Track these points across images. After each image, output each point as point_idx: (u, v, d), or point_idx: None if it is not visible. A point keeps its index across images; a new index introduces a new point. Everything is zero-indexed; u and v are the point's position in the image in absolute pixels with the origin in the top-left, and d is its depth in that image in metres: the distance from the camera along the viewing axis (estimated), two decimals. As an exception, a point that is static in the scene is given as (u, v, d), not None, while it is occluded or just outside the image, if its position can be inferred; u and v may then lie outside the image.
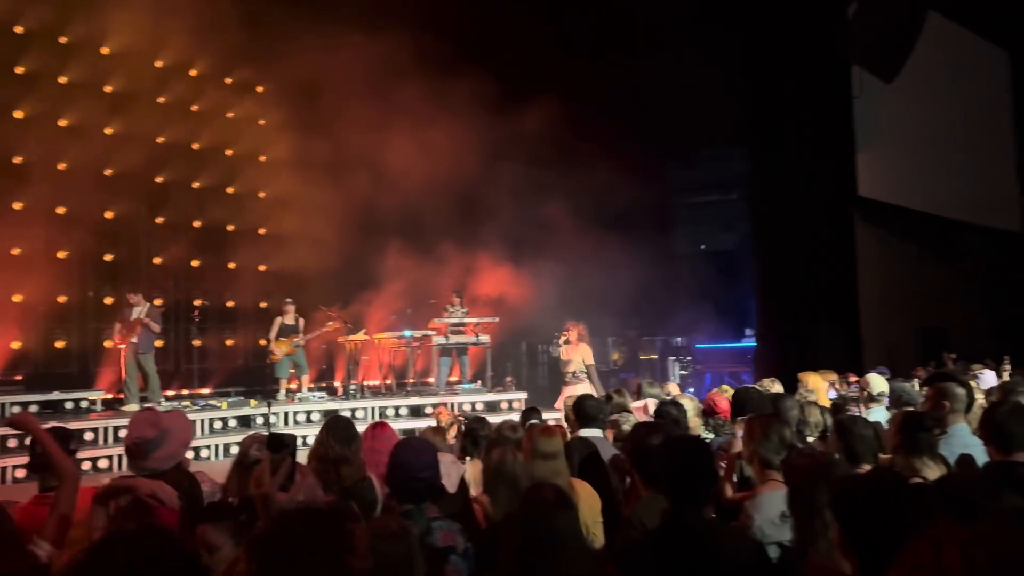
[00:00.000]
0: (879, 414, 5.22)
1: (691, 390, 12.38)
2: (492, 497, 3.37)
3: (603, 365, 15.18)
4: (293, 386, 12.24)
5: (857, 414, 4.70)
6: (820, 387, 6.29)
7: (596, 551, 2.98)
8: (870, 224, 13.54)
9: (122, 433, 9.60)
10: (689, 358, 14.31)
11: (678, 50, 13.69)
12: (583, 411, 5.06)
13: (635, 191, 14.32)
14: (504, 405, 12.37)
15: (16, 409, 10.22)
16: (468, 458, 4.85)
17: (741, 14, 13.21)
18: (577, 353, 10.33)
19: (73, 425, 8.43)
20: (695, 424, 4.80)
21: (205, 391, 13.20)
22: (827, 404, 5.65)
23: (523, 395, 12.80)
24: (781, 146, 13.38)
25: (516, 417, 6.90)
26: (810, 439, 4.42)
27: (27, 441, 8.74)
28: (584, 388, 10.05)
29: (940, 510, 2.05)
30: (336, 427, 3.62)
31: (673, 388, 7.72)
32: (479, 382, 13.20)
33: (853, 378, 7.74)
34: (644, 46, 13.81)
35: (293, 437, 2.00)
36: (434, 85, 13.00)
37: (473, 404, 12.16)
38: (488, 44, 13.27)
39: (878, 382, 5.80)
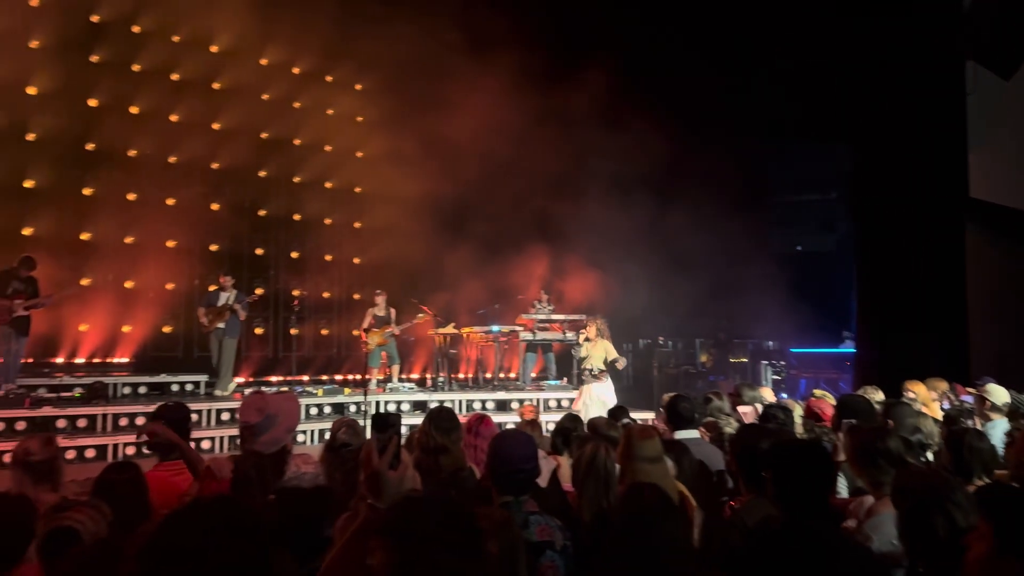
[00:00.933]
0: (1000, 427, 4.90)
1: (784, 396, 12.02)
2: (580, 491, 3.34)
3: (691, 367, 14.93)
4: (383, 376, 12.50)
5: (973, 426, 4.45)
6: (928, 397, 5.99)
7: (696, 555, 2.90)
8: (981, 227, 12.80)
9: (224, 416, 10.08)
10: (782, 362, 13.87)
11: (776, 43, 13.30)
12: (677, 413, 4.95)
13: (730, 189, 14.01)
14: (590, 403, 12.29)
15: (127, 390, 10.82)
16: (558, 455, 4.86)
17: (845, 5, 12.71)
18: (598, 350, 10.11)
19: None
20: (798, 430, 4.65)
21: (304, 378, 13.62)
22: (938, 415, 5.37)
23: (609, 394, 12.69)
24: (887, 144, 12.81)
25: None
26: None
27: (138, 421, 9.24)
28: (605, 387, 9.96)
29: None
30: (439, 417, 3.68)
31: (767, 393, 7.50)
32: (564, 379, 13.17)
33: (964, 389, 7.32)
34: (742, 40, 13.48)
35: (398, 416, 2.01)
36: (529, 86, 13.04)
37: (559, 401, 12.16)
38: (585, 44, 13.20)
39: (999, 392, 5.43)
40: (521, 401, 11.64)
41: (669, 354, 15.04)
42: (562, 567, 2.87)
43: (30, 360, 10.80)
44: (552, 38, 13.31)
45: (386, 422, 1.98)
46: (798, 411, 4.86)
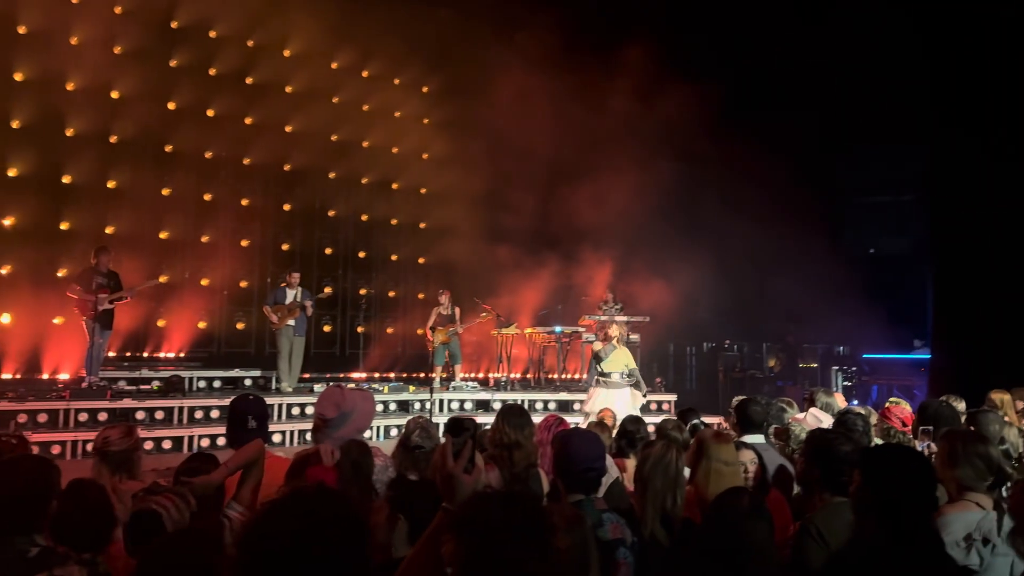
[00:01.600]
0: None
1: (855, 402, 11.69)
2: (644, 488, 3.30)
3: (758, 371, 14.66)
4: (446, 375, 12.62)
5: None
6: (1011, 407, 5.75)
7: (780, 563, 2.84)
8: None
9: (294, 411, 10.34)
10: (854, 368, 13.47)
11: (850, 44, 12.97)
12: (747, 416, 4.87)
13: (800, 190, 13.70)
14: (653, 406, 12.19)
15: (202, 384, 11.19)
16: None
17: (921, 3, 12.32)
18: (620, 355, 9.36)
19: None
20: (873, 437, 4.52)
21: (373, 375, 13.86)
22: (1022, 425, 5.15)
23: (673, 397, 12.57)
24: (965, 144, 12.33)
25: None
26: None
27: (212, 414, 9.56)
28: (623, 395, 9.03)
29: None
30: (511, 413, 3.72)
31: (839, 399, 7.30)
32: (627, 381, 13.05)
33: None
34: (814, 41, 13.18)
35: (473, 421, 2.06)
36: (591, 83, 13.02)
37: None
38: (647, 40, 13.09)
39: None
40: (582, 402, 11.60)
41: (735, 358, 14.81)
42: (633, 564, 2.87)
43: (112, 354, 11.27)
44: (622, 42, 13.22)
45: (461, 426, 2.03)
46: (873, 418, 4.72)
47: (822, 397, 5.47)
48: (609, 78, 13.14)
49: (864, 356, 13.88)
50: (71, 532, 2.60)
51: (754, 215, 12.77)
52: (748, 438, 4.71)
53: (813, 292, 13.00)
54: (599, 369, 9.38)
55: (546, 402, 12.02)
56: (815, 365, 13.82)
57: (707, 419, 9.40)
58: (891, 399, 5.63)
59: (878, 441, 4.47)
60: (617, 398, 8.87)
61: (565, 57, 12.71)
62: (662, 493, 3.26)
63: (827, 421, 4.95)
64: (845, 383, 13.08)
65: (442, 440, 3.06)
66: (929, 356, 13.08)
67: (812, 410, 5.23)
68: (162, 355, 12.63)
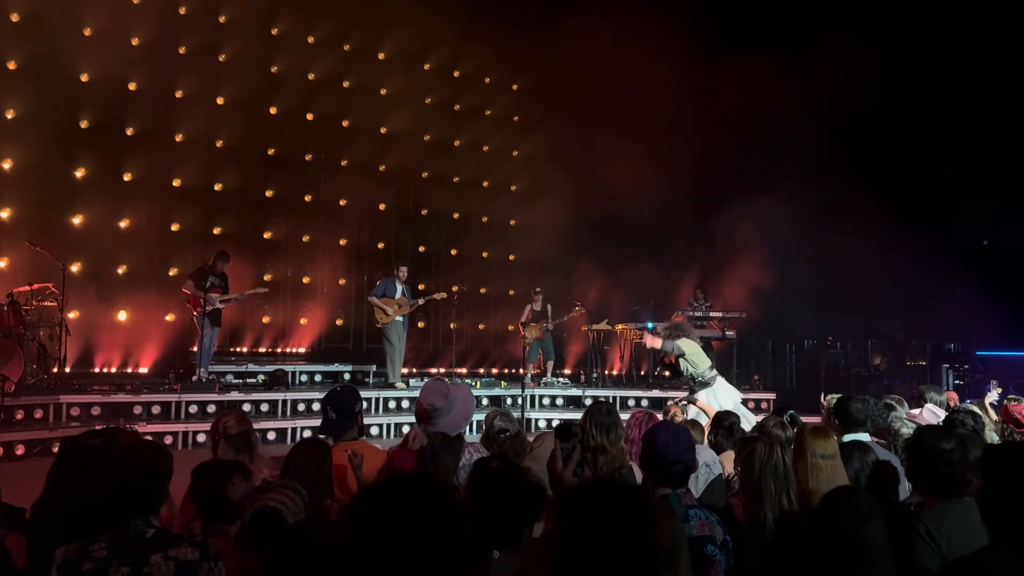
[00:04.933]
0: None
1: (968, 401, 11.05)
2: (759, 491, 3.23)
3: (862, 370, 14.05)
4: (537, 371, 12.65)
5: None
6: None
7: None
8: None
9: (391, 404, 10.59)
10: (966, 366, 12.73)
11: (958, 24, 12.30)
12: (848, 414, 4.69)
13: (907, 178, 13.09)
14: (751, 404, 11.86)
15: (304, 378, 11.61)
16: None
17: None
18: (699, 354, 7.84)
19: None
20: (989, 437, 4.26)
21: (462, 371, 14.07)
22: None
23: (771, 395, 12.20)
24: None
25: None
26: None
27: (314, 406, 9.88)
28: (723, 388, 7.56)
29: None
30: (598, 414, 3.66)
31: (952, 398, 6.92)
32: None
33: None
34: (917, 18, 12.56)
35: (580, 427, 2.07)
36: (679, 77, 12.78)
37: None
38: (745, 40, 12.77)
39: None
40: (675, 400, 11.42)
41: (838, 355, 14.22)
42: (723, 562, 2.81)
43: (221, 349, 11.82)
44: (711, 35, 12.93)
45: (570, 432, 2.05)
46: (991, 416, 4.46)
47: (933, 395, 5.20)
48: (712, 74, 12.90)
49: (978, 353, 13.10)
50: (214, 505, 2.78)
51: (856, 204, 12.25)
52: (851, 436, 4.53)
53: (922, 286, 12.39)
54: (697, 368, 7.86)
55: (638, 399, 11.89)
56: (924, 363, 13.13)
57: (808, 419, 9.10)
58: (1009, 396, 5.31)
59: (995, 439, 4.22)
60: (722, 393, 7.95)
61: (653, 52, 12.54)
62: (777, 496, 3.19)
63: (944, 418, 4.72)
64: (957, 381, 12.38)
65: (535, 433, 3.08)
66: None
67: (928, 406, 4.98)
68: (267, 350, 13.16)
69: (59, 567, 2.37)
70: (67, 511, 2.81)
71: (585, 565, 1.53)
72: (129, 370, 11.71)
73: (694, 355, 7.47)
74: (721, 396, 7.61)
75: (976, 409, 4.48)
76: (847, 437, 4.54)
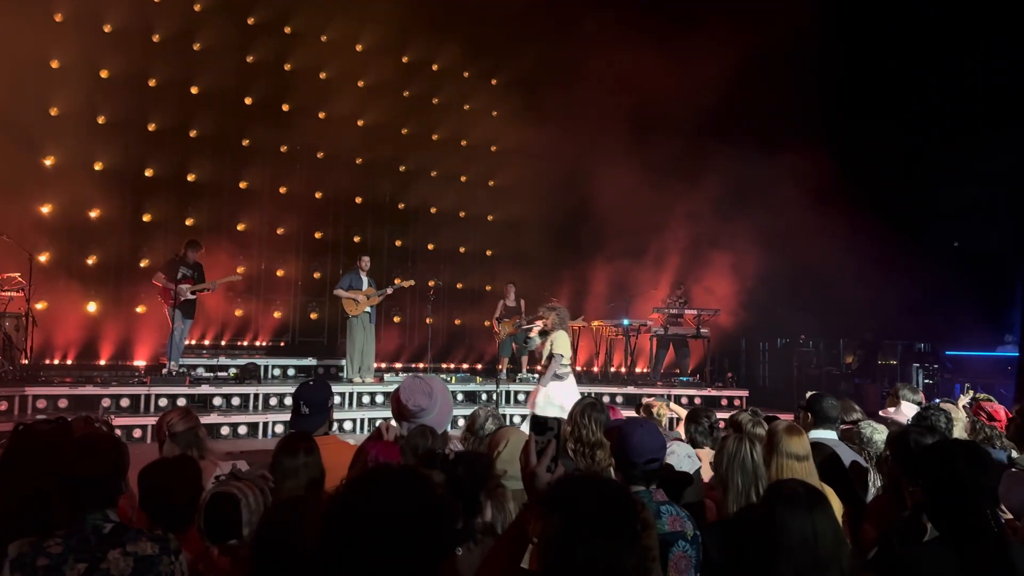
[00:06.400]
0: None
1: (937, 401, 11.18)
2: (726, 487, 3.24)
3: (834, 368, 14.20)
4: (512, 366, 12.64)
5: None
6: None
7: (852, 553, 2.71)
8: None
9: (364, 400, 10.51)
10: (936, 365, 12.90)
11: (940, 29, 12.44)
12: (821, 411, 4.71)
13: (881, 181, 13.22)
14: (724, 402, 11.96)
15: (276, 372, 11.50)
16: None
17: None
18: (560, 343, 8.15)
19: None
20: (959, 435, 4.29)
21: (440, 366, 14.01)
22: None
23: (744, 393, 12.29)
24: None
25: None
26: None
27: (286, 401, 9.79)
28: (566, 388, 7.82)
29: None
30: (592, 409, 3.61)
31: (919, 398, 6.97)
32: (697, 376, 12.85)
33: None
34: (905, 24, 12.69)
35: (558, 421, 2.04)
36: (660, 73, 12.78)
37: (692, 399, 11.88)
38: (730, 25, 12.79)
39: None
40: (653, 397, 11.47)
41: (810, 354, 14.36)
42: (694, 557, 2.81)
43: (191, 342, 11.67)
44: (697, 30, 12.95)
45: (545, 425, 2.03)
46: (960, 416, 4.49)
47: (908, 394, 5.23)
48: (682, 66, 12.90)
49: (947, 353, 13.29)
50: (161, 509, 2.72)
51: (828, 205, 12.35)
52: (818, 433, 4.55)
53: (894, 286, 12.52)
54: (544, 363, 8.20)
55: (612, 395, 11.92)
56: (895, 362, 13.29)
57: (781, 416, 9.18)
58: (979, 395, 5.36)
59: (963, 436, 4.26)
60: (560, 392, 7.74)
61: (628, 48, 12.57)
62: (745, 490, 3.19)
63: (915, 414, 4.76)
64: (927, 381, 12.55)
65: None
66: (1017, 354, 12.47)
67: (904, 404, 5.02)
68: (239, 344, 13.01)
69: (12, 562, 2.30)
70: (19, 504, 2.73)
71: (581, 563, 1.51)
72: (102, 362, 11.52)
73: (563, 346, 7.93)
74: (565, 393, 7.68)
75: (948, 407, 4.51)
76: (814, 433, 4.56)
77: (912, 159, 13.89)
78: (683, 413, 4.31)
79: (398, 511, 1.50)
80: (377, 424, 3.46)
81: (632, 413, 10.29)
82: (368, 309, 11.06)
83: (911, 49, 13.16)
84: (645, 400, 6.04)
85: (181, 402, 9.33)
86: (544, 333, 8.28)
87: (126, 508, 2.83)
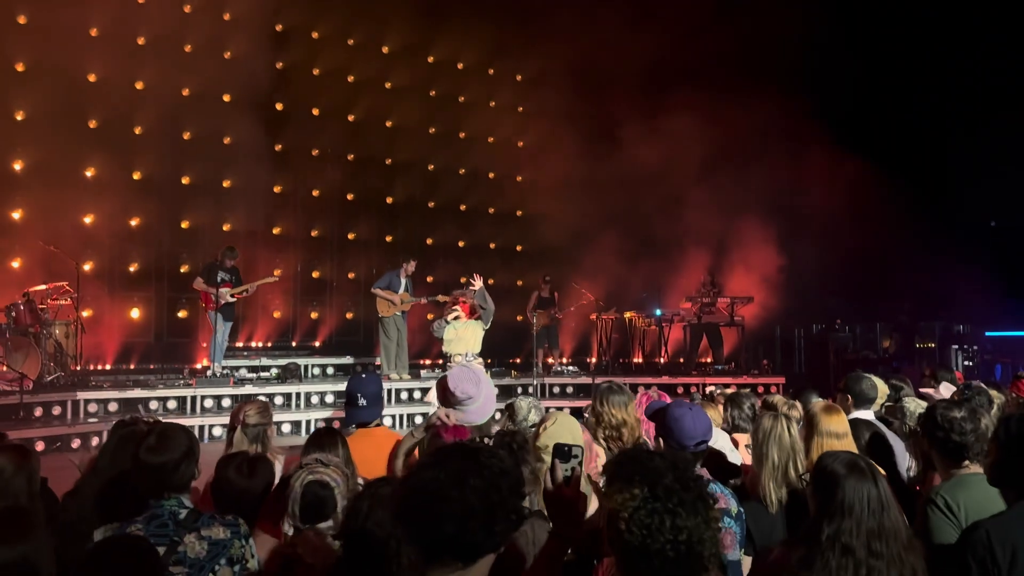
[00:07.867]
0: None
1: (975, 382, 11.05)
2: (761, 463, 3.30)
3: (871, 353, 14.08)
4: (550, 360, 12.71)
5: None
6: None
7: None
8: None
9: (403, 396, 10.67)
10: (975, 347, 12.74)
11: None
12: (860, 391, 4.74)
13: (914, 160, 13.08)
14: (760, 389, 11.91)
15: (316, 371, 11.71)
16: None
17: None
18: (471, 332, 8.57)
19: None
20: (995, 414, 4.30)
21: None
22: None
23: (781, 380, 12.24)
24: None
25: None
26: None
27: (327, 399, 9.96)
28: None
29: None
30: (610, 392, 3.70)
31: (958, 379, 6.94)
32: (732, 364, 12.82)
33: None
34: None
35: (581, 448, 2.06)
36: (686, 67, 12.79)
37: (726, 386, 11.84)
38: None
39: None
40: (687, 386, 11.50)
41: (846, 339, 14.23)
42: (738, 533, 2.89)
43: (236, 344, 11.91)
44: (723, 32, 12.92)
45: (569, 453, 2.05)
46: (998, 396, 4.49)
47: (945, 373, 5.24)
48: (710, 65, 12.91)
49: (987, 335, 13.12)
50: (233, 499, 2.87)
51: (862, 187, 12.25)
52: (859, 413, 4.59)
53: (930, 267, 12.40)
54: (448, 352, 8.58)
55: (648, 386, 11.91)
56: (933, 345, 13.15)
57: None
58: (1019, 373, 5.35)
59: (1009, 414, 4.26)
60: None
61: (656, 42, 12.56)
62: (782, 465, 3.25)
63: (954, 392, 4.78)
64: (966, 363, 12.41)
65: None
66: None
67: (944, 384, 5.03)
68: (279, 344, 13.23)
69: (98, 546, 2.45)
70: (102, 492, 2.91)
71: (668, 535, 1.58)
72: (151, 366, 11.77)
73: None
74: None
75: (986, 387, 4.53)
76: (853, 414, 4.59)
77: (946, 138, 13.70)
78: (800, 413, 4.32)
79: (479, 483, 1.61)
80: (429, 416, 3.56)
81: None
82: (406, 308, 11.19)
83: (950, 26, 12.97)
84: (749, 396, 5.67)
85: (226, 403, 9.55)
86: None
87: (194, 494, 2.99)
